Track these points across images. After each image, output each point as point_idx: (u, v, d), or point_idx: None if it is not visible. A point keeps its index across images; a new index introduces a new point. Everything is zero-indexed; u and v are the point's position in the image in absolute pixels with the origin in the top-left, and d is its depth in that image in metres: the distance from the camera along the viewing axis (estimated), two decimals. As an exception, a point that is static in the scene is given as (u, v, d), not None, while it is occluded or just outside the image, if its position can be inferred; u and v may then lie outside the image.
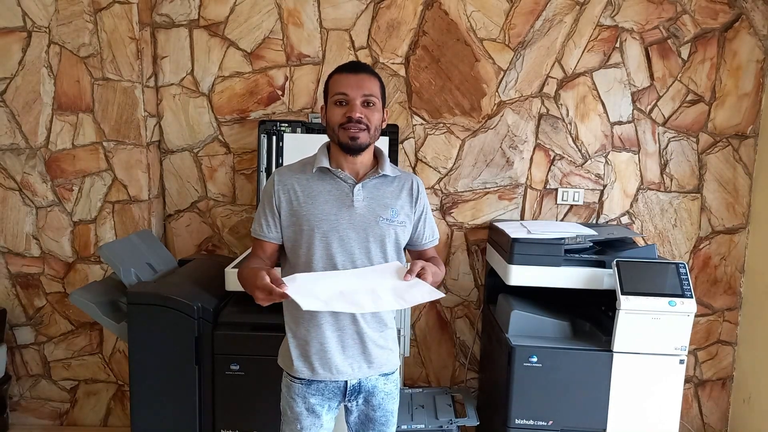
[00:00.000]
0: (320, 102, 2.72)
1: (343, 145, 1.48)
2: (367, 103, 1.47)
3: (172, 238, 2.88)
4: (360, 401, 1.60)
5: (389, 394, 1.63)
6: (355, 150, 1.49)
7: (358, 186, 1.51)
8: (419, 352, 2.90)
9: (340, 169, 1.52)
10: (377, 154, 1.58)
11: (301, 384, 1.56)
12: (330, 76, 1.52)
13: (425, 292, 1.38)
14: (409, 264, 1.46)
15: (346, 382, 1.56)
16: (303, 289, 1.33)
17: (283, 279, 1.33)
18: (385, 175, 1.55)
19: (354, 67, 1.50)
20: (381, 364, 1.59)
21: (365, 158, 1.54)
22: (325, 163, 1.52)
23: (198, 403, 2.14)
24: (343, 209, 1.50)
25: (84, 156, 2.70)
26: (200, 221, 2.86)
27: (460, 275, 2.84)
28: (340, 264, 1.49)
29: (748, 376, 2.72)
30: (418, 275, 1.41)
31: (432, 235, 1.66)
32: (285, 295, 1.28)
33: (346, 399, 1.59)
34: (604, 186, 2.76)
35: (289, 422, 1.59)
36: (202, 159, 2.81)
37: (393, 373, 1.64)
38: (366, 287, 1.39)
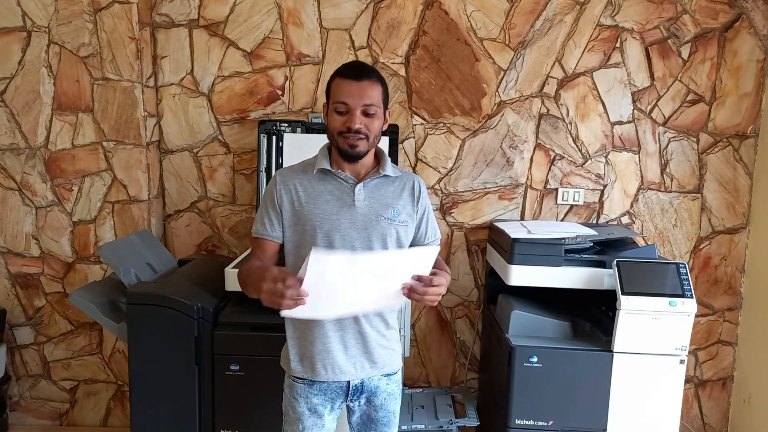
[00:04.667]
0: (320, 102, 2.72)
1: (343, 152, 1.49)
2: (367, 113, 1.46)
3: (171, 238, 2.87)
4: (362, 401, 1.60)
5: (391, 394, 1.63)
6: (354, 158, 1.50)
7: (359, 186, 1.52)
8: (419, 352, 2.90)
9: (340, 170, 1.53)
10: (378, 155, 1.59)
11: (304, 384, 1.56)
12: (332, 77, 1.50)
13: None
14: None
15: (348, 382, 1.56)
16: (312, 298, 1.28)
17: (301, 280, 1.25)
18: (386, 176, 1.55)
19: (356, 74, 1.46)
20: (384, 365, 1.59)
21: (366, 159, 1.54)
22: (326, 165, 1.53)
23: (198, 404, 2.14)
24: (344, 209, 1.50)
25: (84, 156, 2.70)
26: (200, 221, 2.86)
27: (460, 275, 2.83)
28: None
29: (749, 377, 2.72)
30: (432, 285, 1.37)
31: (434, 234, 1.66)
32: (295, 299, 1.24)
33: (349, 399, 1.59)
34: (605, 186, 2.76)
35: (291, 423, 1.59)
36: (202, 159, 2.80)
37: (395, 373, 1.64)
38: (381, 278, 1.37)
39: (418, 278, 1.37)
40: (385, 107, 1.53)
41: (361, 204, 1.51)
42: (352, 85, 1.45)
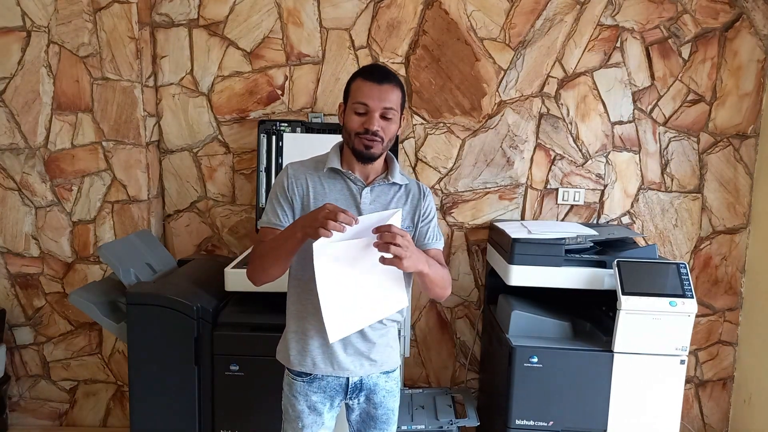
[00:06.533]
0: (320, 102, 2.71)
1: (357, 152, 1.50)
2: (385, 116, 1.48)
3: (171, 238, 2.87)
4: (361, 399, 1.61)
5: (390, 392, 1.63)
6: (368, 159, 1.51)
7: (367, 189, 1.53)
8: (419, 352, 2.89)
9: (350, 171, 1.54)
10: (388, 160, 1.60)
11: (303, 382, 1.57)
12: (354, 78, 1.51)
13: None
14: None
15: (347, 379, 1.56)
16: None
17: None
18: (393, 183, 1.57)
19: (379, 77, 1.48)
20: (382, 362, 1.59)
21: (376, 164, 1.56)
22: (336, 164, 1.54)
23: (197, 404, 2.13)
24: (350, 210, 1.50)
25: (83, 156, 2.69)
26: (199, 221, 2.85)
27: (461, 275, 2.83)
28: None
29: (749, 377, 2.72)
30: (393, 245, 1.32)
31: (436, 237, 1.64)
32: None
33: (348, 397, 1.59)
34: (605, 186, 2.75)
35: (290, 421, 1.60)
36: (202, 159, 2.80)
37: (394, 371, 1.65)
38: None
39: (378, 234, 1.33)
40: (402, 110, 1.54)
41: (366, 207, 1.53)
42: (373, 88, 1.46)
